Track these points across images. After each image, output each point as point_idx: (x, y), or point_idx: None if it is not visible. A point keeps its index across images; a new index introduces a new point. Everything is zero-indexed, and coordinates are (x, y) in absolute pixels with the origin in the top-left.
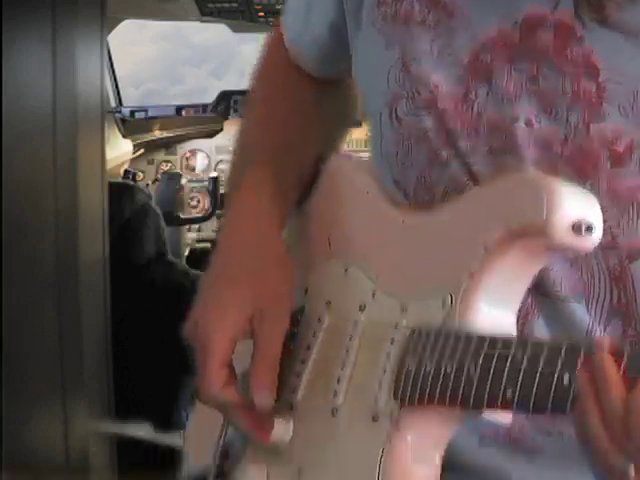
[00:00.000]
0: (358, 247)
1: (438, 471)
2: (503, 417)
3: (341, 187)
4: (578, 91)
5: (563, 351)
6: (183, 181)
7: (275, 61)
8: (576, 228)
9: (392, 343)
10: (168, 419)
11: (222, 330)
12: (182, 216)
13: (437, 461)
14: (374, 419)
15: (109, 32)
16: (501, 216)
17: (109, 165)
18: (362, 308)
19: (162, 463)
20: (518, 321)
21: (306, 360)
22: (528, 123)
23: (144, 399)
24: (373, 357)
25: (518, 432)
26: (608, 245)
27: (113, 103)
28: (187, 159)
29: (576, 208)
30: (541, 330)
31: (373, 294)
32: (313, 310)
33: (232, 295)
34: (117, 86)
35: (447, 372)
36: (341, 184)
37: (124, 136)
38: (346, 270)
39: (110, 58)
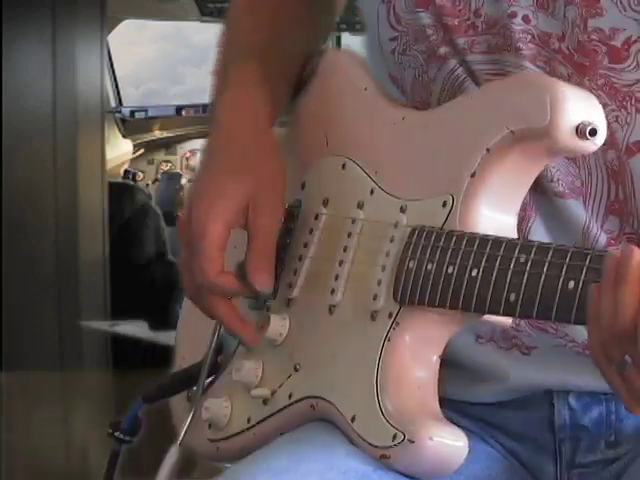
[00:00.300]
0: (356, 143)
1: (436, 371)
2: (504, 319)
3: (338, 82)
4: None
5: (569, 256)
6: (183, 181)
7: None
8: (580, 131)
9: (392, 241)
10: (164, 318)
11: (217, 216)
12: None
13: (435, 361)
14: (372, 318)
15: (109, 32)
16: (504, 118)
17: (109, 165)
18: (360, 205)
19: (159, 361)
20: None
21: (303, 257)
22: (525, 19)
23: (140, 298)
24: (372, 255)
25: (514, 329)
26: (606, 141)
27: (113, 103)
28: (187, 159)
29: (580, 111)
30: (538, 228)
31: (372, 191)
32: (310, 207)
33: (226, 183)
34: (117, 86)
35: (449, 273)
36: (338, 79)
37: (124, 136)
38: (344, 166)
39: (110, 58)
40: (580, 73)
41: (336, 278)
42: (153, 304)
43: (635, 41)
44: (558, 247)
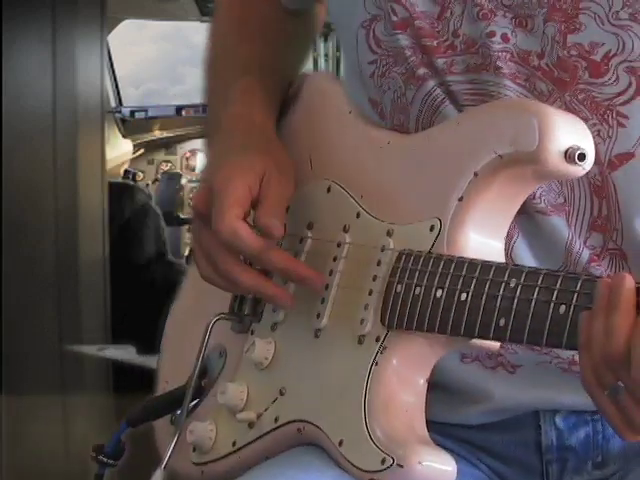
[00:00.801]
0: (341, 166)
1: (424, 395)
2: (492, 344)
3: (322, 105)
4: (554, 3)
5: (559, 281)
6: (183, 181)
7: None
8: (569, 156)
9: (379, 265)
10: (151, 342)
11: (242, 178)
12: (182, 216)
13: (422, 385)
14: (360, 342)
15: (109, 32)
16: (492, 142)
17: (109, 165)
18: (346, 229)
19: (147, 385)
20: None
21: (288, 280)
22: (504, 38)
23: (128, 322)
24: (359, 279)
25: (500, 347)
26: None
27: (113, 103)
28: (187, 159)
29: (568, 135)
30: (521, 246)
31: (358, 215)
32: (294, 230)
33: (243, 157)
34: (117, 86)
35: (437, 297)
36: (322, 102)
37: (124, 136)
38: (329, 189)
39: (110, 58)
40: (561, 89)
41: (322, 302)
42: (140, 329)
43: (614, 55)
44: (549, 272)
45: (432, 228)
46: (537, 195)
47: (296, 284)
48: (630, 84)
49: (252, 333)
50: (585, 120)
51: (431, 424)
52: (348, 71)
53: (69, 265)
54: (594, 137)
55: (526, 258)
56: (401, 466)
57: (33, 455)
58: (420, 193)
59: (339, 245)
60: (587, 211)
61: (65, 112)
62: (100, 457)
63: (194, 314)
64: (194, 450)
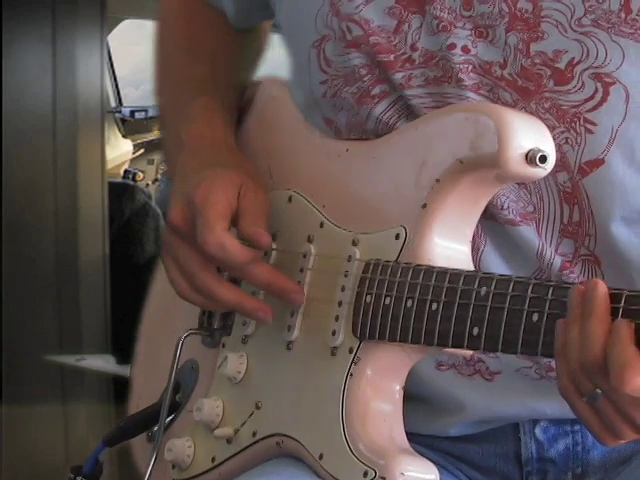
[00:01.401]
0: (301, 176)
1: (400, 402)
2: (466, 350)
3: (277, 114)
4: (515, 12)
5: (531, 288)
6: None
7: (184, 8)
8: (530, 158)
9: (346, 276)
10: (131, 352)
11: (223, 191)
12: None
13: (398, 392)
14: (333, 353)
15: (109, 32)
16: (452, 148)
17: (109, 165)
18: (310, 239)
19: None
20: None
21: (256, 293)
22: (465, 50)
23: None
24: (327, 290)
25: (477, 354)
26: (557, 163)
27: (113, 103)
28: None
29: (529, 138)
30: (491, 256)
31: (321, 224)
32: None
33: (218, 172)
34: (117, 86)
35: (408, 307)
36: (277, 111)
37: (124, 136)
38: (290, 199)
39: (110, 58)
40: (525, 98)
41: (292, 314)
42: (120, 339)
43: (579, 62)
44: (518, 279)
45: (397, 236)
46: (505, 206)
47: (278, 297)
48: (596, 90)
49: (224, 346)
50: (552, 128)
51: (410, 435)
52: (301, 90)
53: (69, 265)
54: (562, 145)
55: (497, 267)
56: (384, 478)
57: (33, 464)
58: (383, 201)
59: (305, 256)
60: (557, 218)
61: (65, 112)
62: (78, 478)
63: (163, 329)
64: (173, 467)
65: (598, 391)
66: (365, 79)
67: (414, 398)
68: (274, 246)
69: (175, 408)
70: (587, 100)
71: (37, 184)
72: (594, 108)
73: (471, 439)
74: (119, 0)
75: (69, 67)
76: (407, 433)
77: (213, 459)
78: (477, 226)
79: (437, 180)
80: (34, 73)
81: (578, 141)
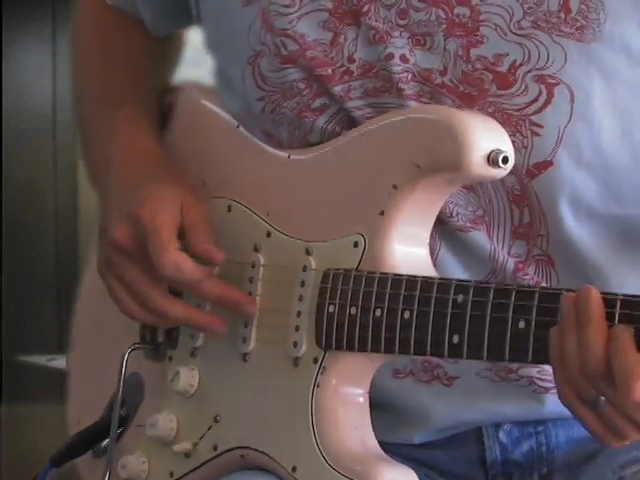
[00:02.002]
0: (239, 184)
1: (367, 408)
2: None
3: (206, 121)
4: (452, 18)
5: (514, 295)
6: None
7: (98, 18)
8: (492, 160)
9: (303, 286)
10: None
11: (167, 209)
12: None
13: (364, 398)
14: (295, 364)
15: None
16: (408, 153)
17: None
18: (257, 249)
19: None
20: None
21: (202, 305)
22: (403, 59)
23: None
24: (283, 301)
25: (436, 359)
26: None
27: None
28: None
29: (488, 139)
30: (446, 258)
31: (268, 234)
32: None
33: (157, 189)
34: None
35: (377, 316)
36: (205, 118)
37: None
38: (229, 208)
39: None
40: (468, 104)
41: (245, 325)
42: (54, 334)
43: (521, 64)
44: (498, 286)
45: (356, 244)
46: (454, 213)
47: (229, 310)
48: (540, 93)
49: (170, 360)
50: None
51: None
52: (237, 105)
53: (69, 265)
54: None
55: (452, 269)
56: None
57: (33, 464)
58: (337, 209)
59: (253, 266)
60: (507, 221)
61: (65, 112)
62: None
63: (100, 343)
64: None
65: (601, 397)
66: (304, 93)
67: (375, 407)
68: None
69: (122, 423)
70: (531, 103)
71: (37, 184)
72: (539, 110)
73: (435, 445)
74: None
75: (69, 67)
76: None
77: (171, 474)
78: (433, 230)
79: (394, 186)
80: (34, 73)
81: (525, 144)
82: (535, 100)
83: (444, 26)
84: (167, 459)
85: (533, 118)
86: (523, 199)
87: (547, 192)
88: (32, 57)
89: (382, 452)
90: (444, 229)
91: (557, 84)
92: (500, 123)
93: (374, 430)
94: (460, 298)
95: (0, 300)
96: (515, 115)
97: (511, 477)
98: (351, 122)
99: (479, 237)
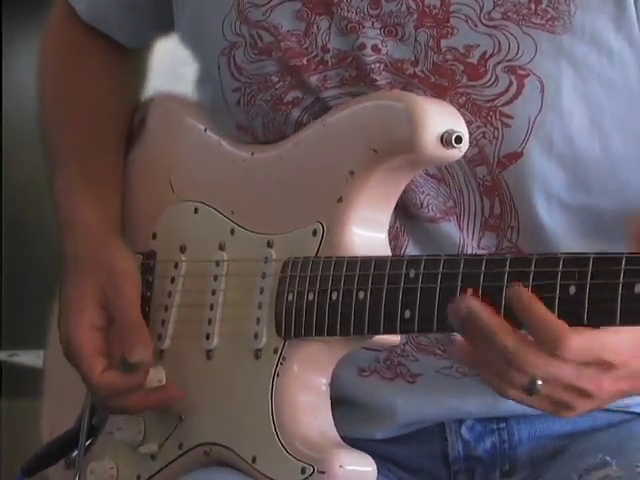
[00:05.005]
0: (205, 186)
1: (328, 398)
2: (393, 337)
3: (174, 127)
4: (423, 9)
5: (462, 264)
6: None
7: (63, 36)
8: (445, 140)
9: (264, 278)
10: None
11: (79, 323)
12: None
13: (325, 388)
14: (257, 356)
15: None
16: (364, 138)
17: None
18: (222, 247)
19: None
20: (390, 245)
21: (169, 306)
22: (375, 49)
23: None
24: (245, 294)
25: (399, 355)
26: (475, 157)
27: None
28: None
29: (442, 120)
30: (414, 252)
31: (232, 231)
32: (166, 256)
33: (77, 293)
34: None
35: (333, 300)
36: (173, 124)
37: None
38: (196, 210)
39: None
40: (439, 94)
41: (209, 322)
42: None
43: (491, 55)
44: (449, 257)
45: (315, 232)
46: (425, 204)
47: (162, 408)
48: (511, 84)
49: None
50: (469, 123)
51: (341, 438)
52: (212, 97)
53: None
54: (480, 139)
55: None
56: (322, 472)
57: None
58: (296, 200)
59: (218, 264)
60: (478, 212)
61: None
62: None
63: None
64: None
65: (536, 381)
66: (277, 87)
67: (339, 404)
68: (184, 258)
69: (92, 432)
70: (502, 94)
71: (37, 184)
72: (509, 101)
73: (398, 441)
74: None
75: None
76: None
77: (138, 477)
78: (399, 224)
79: (351, 172)
80: (34, 73)
81: (495, 135)
82: (506, 91)
83: (415, 17)
84: (135, 463)
85: (503, 109)
86: (494, 190)
87: (518, 183)
88: (32, 57)
89: (341, 440)
90: (413, 223)
91: (527, 75)
92: (470, 114)
93: (337, 426)
94: (412, 273)
95: (0, 299)
96: (485, 106)
97: (474, 473)
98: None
99: (449, 228)
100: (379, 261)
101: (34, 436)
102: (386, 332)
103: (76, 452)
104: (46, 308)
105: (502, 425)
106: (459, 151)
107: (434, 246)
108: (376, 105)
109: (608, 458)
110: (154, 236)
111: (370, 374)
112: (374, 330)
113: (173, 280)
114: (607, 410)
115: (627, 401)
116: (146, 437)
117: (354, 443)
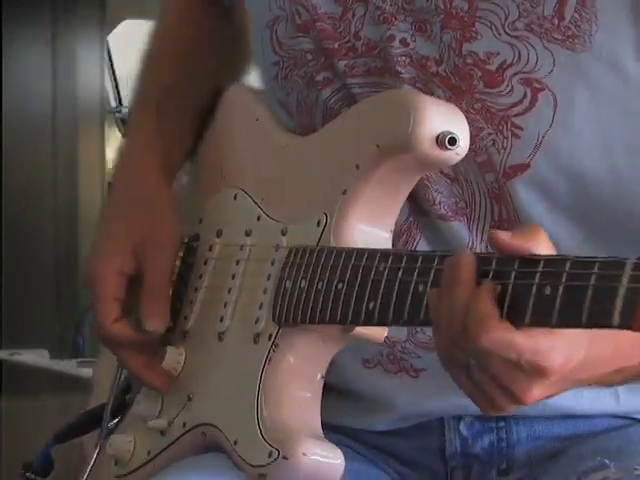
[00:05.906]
0: (247, 173)
1: (319, 390)
2: (377, 334)
3: (234, 116)
4: (450, 10)
5: (420, 260)
6: (183, 180)
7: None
8: (440, 141)
9: (272, 264)
10: (65, 347)
11: (108, 264)
12: None
13: (318, 381)
14: (255, 341)
15: (109, 32)
16: (371, 134)
17: (109, 165)
18: (248, 233)
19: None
20: (400, 242)
21: (198, 288)
22: (404, 43)
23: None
24: (256, 280)
25: (401, 352)
26: (485, 163)
27: (113, 103)
28: None
29: (440, 121)
30: (423, 248)
31: (258, 218)
32: (206, 239)
33: (114, 230)
34: (117, 86)
35: (318, 289)
36: (235, 114)
37: (124, 136)
38: (235, 196)
39: (110, 58)
40: (458, 97)
41: (225, 305)
42: (54, 334)
43: (510, 65)
44: (412, 253)
45: (319, 223)
46: (437, 201)
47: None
48: (525, 95)
49: (170, 344)
50: (480, 129)
51: (339, 428)
52: (259, 72)
53: (69, 265)
54: (489, 147)
55: None
56: (285, 458)
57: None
58: (309, 190)
59: (242, 248)
60: (488, 215)
61: (65, 112)
62: (28, 474)
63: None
64: (116, 463)
65: (472, 361)
66: (310, 65)
67: (342, 394)
68: (218, 242)
69: (124, 408)
70: (516, 104)
71: (37, 184)
72: (522, 113)
73: (397, 433)
74: (119, 0)
75: (69, 67)
76: (335, 426)
77: (149, 452)
78: (413, 218)
79: (357, 166)
80: (34, 73)
81: (504, 145)
82: (519, 102)
83: (442, 17)
84: (148, 438)
85: (515, 120)
86: (501, 197)
87: (522, 194)
88: (32, 57)
89: (320, 433)
90: (425, 220)
91: (542, 89)
92: (483, 121)
93: (339, 415)
94: (382, 266)
95: (0, 299)
96: (498, 115)
97: (470, 470)
98: (352, 100)
99: (459, 228)
100: (358, 253)
101: (34, 435)
102: (352, 323)
103: (112, 422)
104: (46, 308)
105: (501, 424)
106: (455, 154)
107: (444, 244)
108: (385, 101)
109: (607, 461)
110: (200, 220)
111: (374, 366)
112: (344, 320)
113: (206, 262)
114: (608, 415)
115: (628, 409)
116: (161, 413)
117: (354, 434)
